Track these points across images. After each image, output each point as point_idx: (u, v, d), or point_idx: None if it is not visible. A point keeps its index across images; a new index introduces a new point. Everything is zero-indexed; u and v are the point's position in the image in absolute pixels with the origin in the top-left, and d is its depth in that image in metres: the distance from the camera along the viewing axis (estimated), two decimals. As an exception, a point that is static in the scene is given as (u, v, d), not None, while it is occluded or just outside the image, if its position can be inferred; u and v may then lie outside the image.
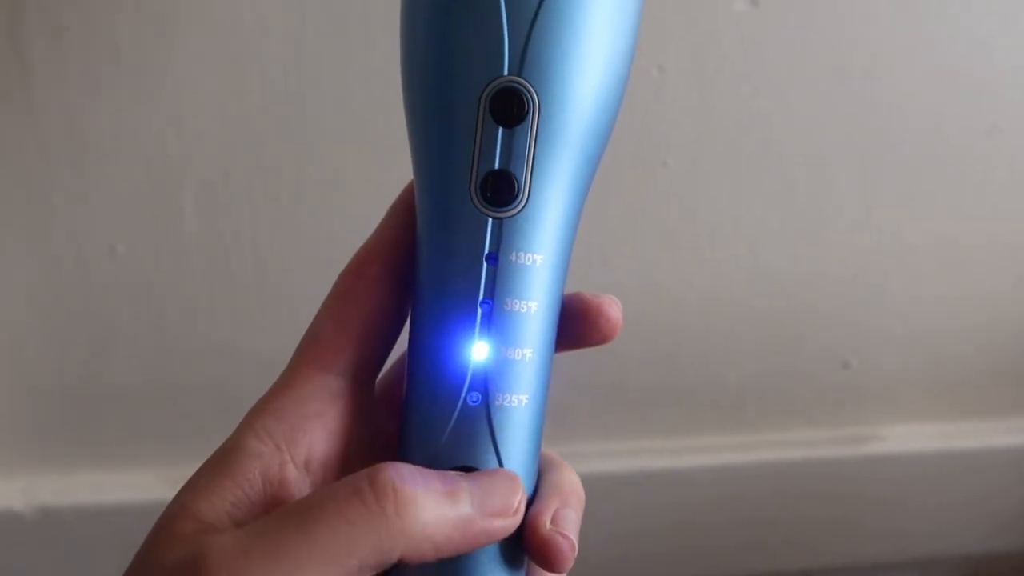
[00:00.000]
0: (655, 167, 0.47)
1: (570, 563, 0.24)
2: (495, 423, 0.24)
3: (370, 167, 0.44)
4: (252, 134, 0.43)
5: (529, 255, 0.24)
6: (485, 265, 0.24)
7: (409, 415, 0.25)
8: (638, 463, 0.54)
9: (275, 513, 0.21)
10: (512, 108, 0.23)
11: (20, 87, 0.41)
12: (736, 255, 0.51)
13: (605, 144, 0.25)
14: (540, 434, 0.25)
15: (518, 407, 0.24)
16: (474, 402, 0.24)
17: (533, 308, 0.24)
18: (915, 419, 0.59)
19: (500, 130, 0.23)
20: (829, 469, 0.58)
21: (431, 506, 0.21)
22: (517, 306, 0.24)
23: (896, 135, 0.49)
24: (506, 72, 0.23)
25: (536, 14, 0.23)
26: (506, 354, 0.24)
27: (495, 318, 0.24)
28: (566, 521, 0.24)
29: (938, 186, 0.51)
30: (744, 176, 0.49)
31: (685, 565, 0.59)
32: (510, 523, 0.23)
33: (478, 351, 0.24)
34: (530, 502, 0.24)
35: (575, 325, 0.25)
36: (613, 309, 0.25)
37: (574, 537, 0.24)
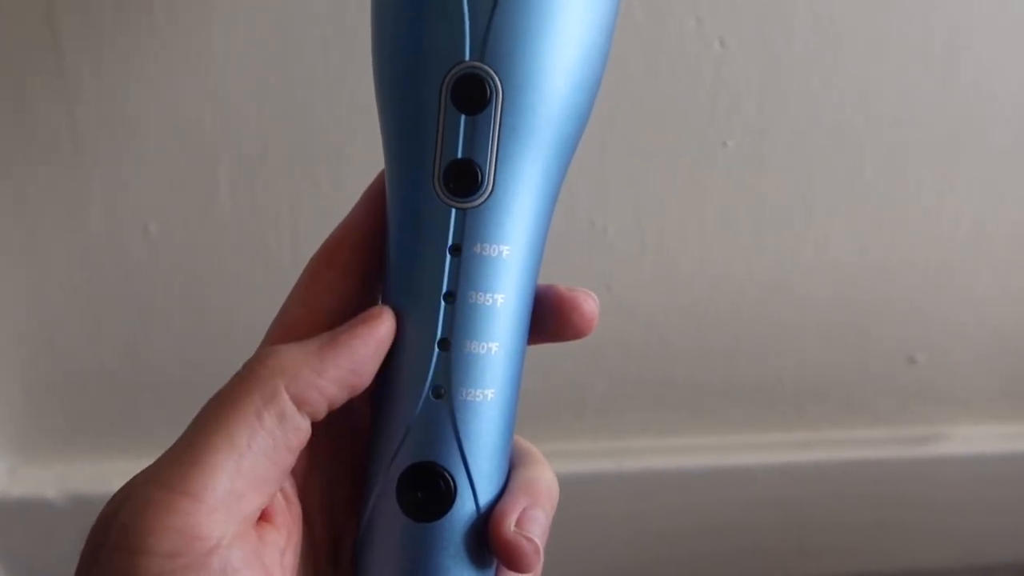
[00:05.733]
0: (715, 148, 0.46)
1: (535, 567, 0.23)
2: (458, 418, 0.24)
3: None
4: (291, 111, 0.42)
5: (494, 247, 0.23)
6: (448, 257, 0.23)
7: (376, 407, 0.25)
8: (691, 460, 0.53)
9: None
10: (473, 95, 0.22)
11: (52, 59, 0.40)
12: (799, 242, 0.49)
13: (578, 132, 0.24)
14: (509, 429, 0.25)
15: (483, 402, 0.24)
16: (437, 397, 0.24)
17: (500, 301, 0.24)
18: (983, 419, 0.57)
19: (462, 118, 0.23)
20: (891, 469, 0.57)
21: (293, 348, 0.23)
22: (482, 299, 0.23)
23: (977, 119, 0.47)
24: (468, 57, 0.22)
25: None
26: (470, 348, 0.24)
27: (459, 311, 0.23)
28: (533, 522, 0.24)
29: (1019, 173, 0.49)
30: (811, 159, 0.47)
31: (738, 566, 0.58)
32: (374, 326, 0.23)
33: (441, 345, 0.24)
34: (498, 498, 0.24)
35: (548, 319, 0.25)
36: (588, 303, 0.25)
37: (539, 540, 0.23)
